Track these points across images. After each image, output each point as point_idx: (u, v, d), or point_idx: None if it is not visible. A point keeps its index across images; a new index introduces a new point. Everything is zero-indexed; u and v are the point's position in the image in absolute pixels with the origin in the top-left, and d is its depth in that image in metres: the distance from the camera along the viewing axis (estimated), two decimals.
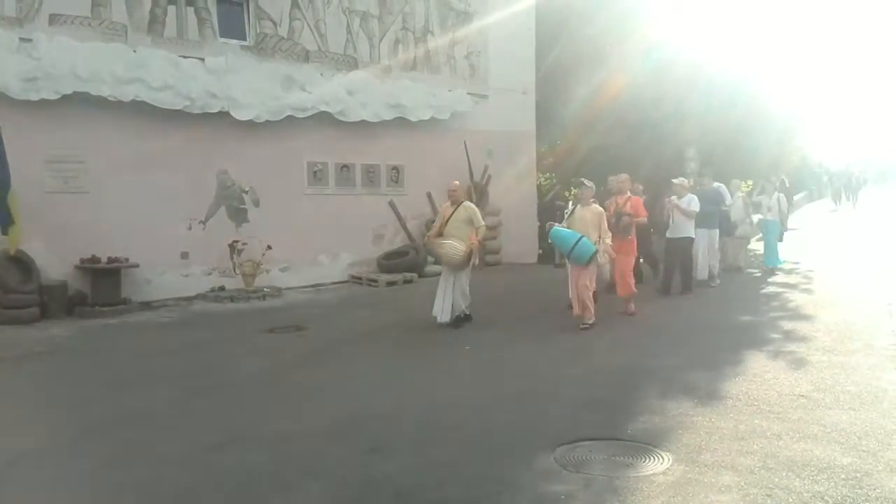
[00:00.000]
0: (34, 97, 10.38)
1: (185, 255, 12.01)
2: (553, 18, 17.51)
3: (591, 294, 8.84)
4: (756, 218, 14.42)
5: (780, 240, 14.35)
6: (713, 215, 12.22)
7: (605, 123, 17.05)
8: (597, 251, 8.65)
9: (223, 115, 12.15)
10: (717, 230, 12.47)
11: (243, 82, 12.31)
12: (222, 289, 12.09)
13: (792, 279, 12.95)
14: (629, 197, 10.12)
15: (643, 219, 10.04)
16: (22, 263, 10.21)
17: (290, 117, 12.97)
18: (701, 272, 12.09)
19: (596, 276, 9.06)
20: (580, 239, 8.61)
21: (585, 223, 8.85)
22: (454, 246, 8.92)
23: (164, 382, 6.87)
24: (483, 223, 9.31)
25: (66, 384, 6.98)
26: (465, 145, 15.18)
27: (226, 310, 11.08)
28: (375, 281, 13.39)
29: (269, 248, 12.12)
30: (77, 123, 10.82)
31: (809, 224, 25.37)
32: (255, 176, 12.70)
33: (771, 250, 13.95)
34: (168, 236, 11.73)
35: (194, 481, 4.51)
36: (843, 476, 4.30)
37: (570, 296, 9.44)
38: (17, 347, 8.52)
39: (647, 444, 4.88)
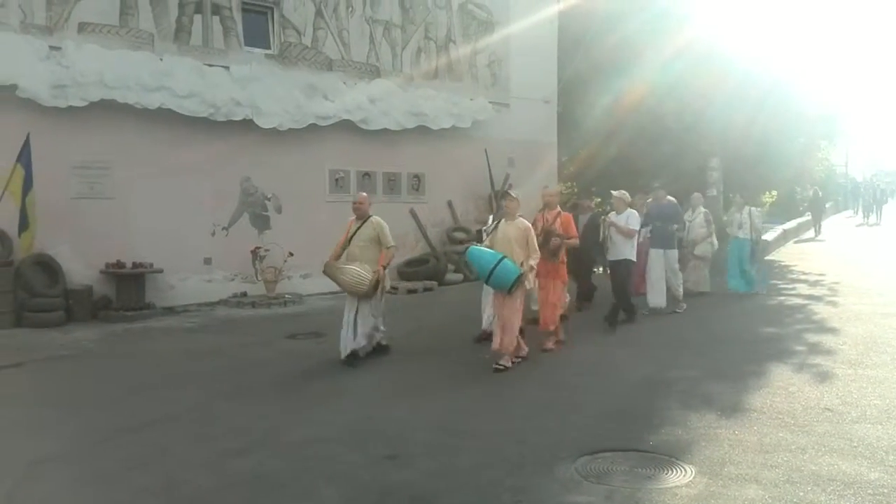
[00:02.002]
0: (62, 104, 10.55)
1: (208, 261, 12.11)
2: (575, 28, 17.51)
3: (517, 328, 7.43)
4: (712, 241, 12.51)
5: (754, 261, 12.41)
6: (671, 233, 10.83)
7: (626, 133, 16.99)
8: (522, 275, 7.23)
9: (247, 123, 12.27)
10: (676, 250, 11.00)
11: (267, 90, 12.43)
12: (244, 295, 12.17)
13: (817, 291, 12.75)
14: (559, 213, 8.57)
15: (574, 240, 8.48)
16: (48, 268, 10.36)
17: (312, 125, 13.07)
18: (656, 298, 10.55)
19: (521, 307, 7.59)
20: (501, 260, 7.17)
21: (509, 241, 7.41)
22: (358, 274, 7.55)
23: (186, 387, 6.92)
24: (393, 243, 7.97)
25: (90, 387, 7.06)
26: (486, 154, 15.19)
27: (248, 315, 11.15)
28: (396, 289, 13.39)
29: (291, 254, 12.19)
30: (103, 130, 10.97)
31: (836, 236, 25.05)
32: (278, 183, 12.79)
33: (735, 271, 12.21)
34: (192, 242, 11.84)
35: (214, 486, 4.53)
36: (869, 491, 4.22)
37: (484, 325, 8.48)
38: (43, 350, 8.63)
39: (669, 456, 4.83)
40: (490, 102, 15.71)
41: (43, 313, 10.00)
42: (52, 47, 10.53)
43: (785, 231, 23.89)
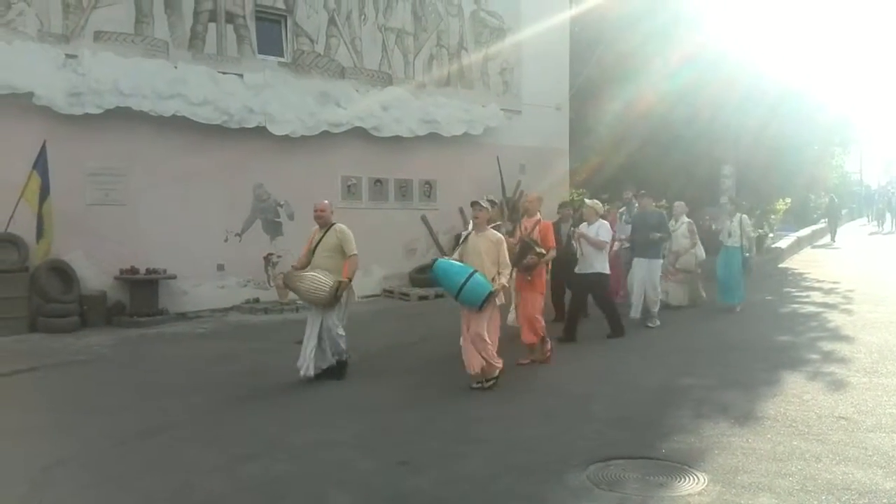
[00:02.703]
0: (78, 111, 10.66)
1: (220, 268, 12.18)
2: (587, 35, 17.53)
3: (490, 347, 6.84)
4: (701, 250, 11.98)
5: (746, 270, 11.53)
6: (655, 243, 10.28)
7: (637, 140, 16.97)
8: (493, 292, 6.71)
9: (260, 130, 12.35)
10: (660, 261, 10.46)
11: (280, 98, 12.51)
12: (257, 301, 12.23)
13: (831, 299, 12.66)
14: (538, 221, 8.09)
15: (552, 251, 7.98)
16: (63, 273, 10.45)
17: (325, 132, 13.13)
18: (634, 309, 10.22)
19: (494, 326, 6.97)
20: (471, 275, 6.63)
21: (480, 255, 6.92)
22: (317, 279, 7.10)
23: (197, 392, 6.96)
24: (356, 251, 7.46)
25: (103, 392, 7.11)
26: (498, 160, 15.20)
27: (260, 321, 11.21)
28: (407, 295, 13.43)
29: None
30: (118, 137, 11.07)
31: (850, 244, 24.86)
32: (290, 190, 12.85)
33: (727, 283, 11.38)
34: (205, 248, 11.91)
35: (226, 490, 4.55)
36: (885, 500, 4.18)
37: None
38: (57, 355, 8.70)
39: (682, 464, 4.80)
40: (502, 109, 15.73)
41: (57, 319, 10.09)
42: (68, 55, 10.65)
43: (799, 238, 23.74)
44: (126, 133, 11.13)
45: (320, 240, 7.47)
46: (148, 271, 11.06)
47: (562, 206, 11.14)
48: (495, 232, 7.17)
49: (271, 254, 12.45)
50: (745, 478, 4.54)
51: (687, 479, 4.58)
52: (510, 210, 14.90)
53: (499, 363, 6.90)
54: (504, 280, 6.93)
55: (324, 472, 4.82)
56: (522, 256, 7.63)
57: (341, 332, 7.35)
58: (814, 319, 10.70)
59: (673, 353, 8.52)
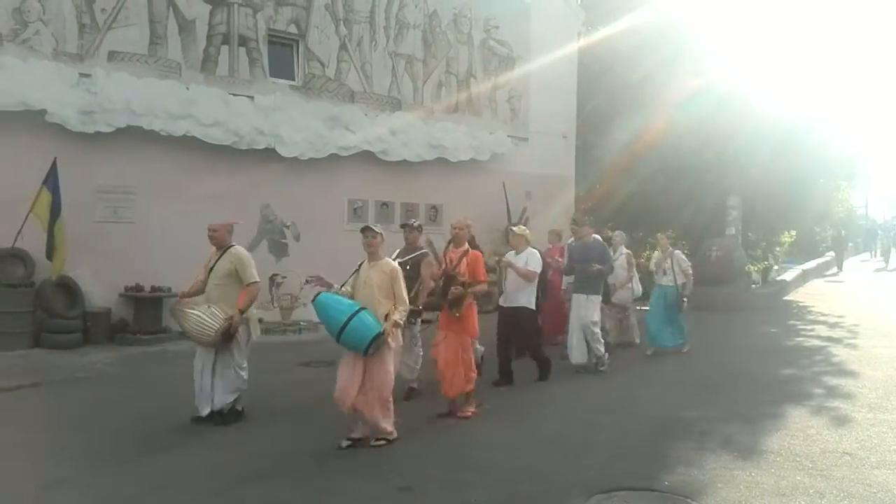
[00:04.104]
0: (90, 130, 10.77)
1: None
2: (596, 65, 17.69)
3: (383, 401, 5.92)
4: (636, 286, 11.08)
5: (679, 310, 10.54)
6: (594, 277, 9.10)
7: (644, 169, 17.03)
8: (382, 333, 5.73)
9: (269, 152, 12.45)
10: (599, 296, 9.26)
11: (290, 120, 12.63)
12: (260, 321, 12.14)
13: (836, 333, 12.61)
14: (466, 252, 7.01)
15: (483, 285, 7.02)
16: (68, 289, 10.49)
17: (333, 155, 13.22)
18: (577, 353, 9.07)
19: (389, 375, 5.98)
20: (357, 313, 5.66)
21: (372, 288, 5.93)
22: (201, 320, 6.19)
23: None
24: (256, 278, 6.56)
25: (106, 410, 7.08)
26: (504, 187, 15.27)
27: (263, 342, 11.09)
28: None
29: (308, 281, 12.21)
30: (129, 156, 11.17)
31: (855, 279, 24.80)
32: (297, 211, 12.92)
33: (661, 326, 10.38)
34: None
35: None
36: None
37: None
38: (60, 372, 8.70)
39: (685, 497, 4.76)
40: (509, 136, 15.85)
41: (61, 335, 10.10)
42: (82, 74, 10.79)
43: (804, 271, 23.72)
44: (136, 152, 11.23)
45: (214, 265, 6.56)
46: (153, 289, 11.09)
47: (552, 233, 11.11)
48: (391, 261, 6.21)
49: (276, 274, 12.60)
50: None
51: None
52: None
53: (391, 428, 5.96)
54: (399, 317, 5.88)
55: (325, 495, 4.80)
56: (446, 292, 6.70)
57: (244, 373, 6.52)
58: (818, 353, 10.66)
59: (678, 384, 8.48)
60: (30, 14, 10.49)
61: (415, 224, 7.57)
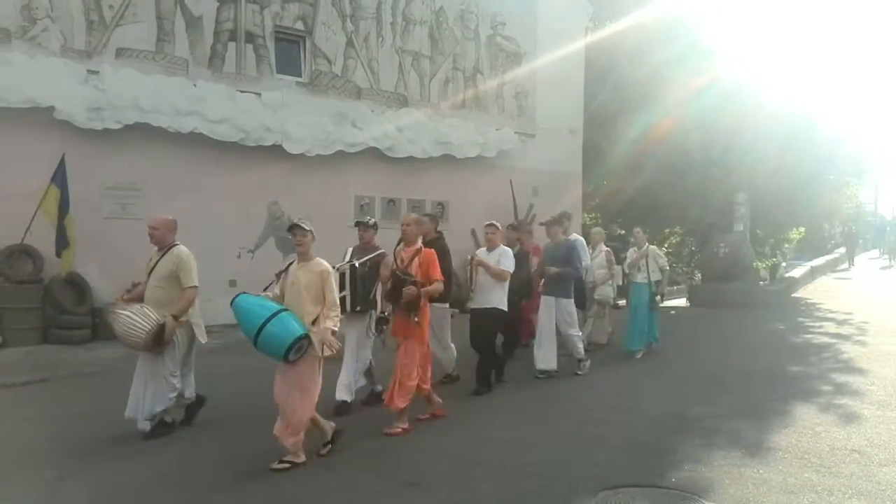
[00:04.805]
0: (98, 126, 10.82)
1: (233, 283, 12.19)
2: (602, 61, 17.64)
3: (303, 417, 5.29)
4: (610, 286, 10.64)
5: (652, 309, 10.03)
6: (563, 279, 8.52)
7: (651, 165, 16.98)
8: (304, 337, 5.16)
9: (276, 148, 12.47)
10: (571, 299, 8.61)
11: (297, 117, 12.65)
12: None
13: (845, 330, 12.55)
14: (420, 250, 6.40)
15: (436, 285, 6.28)
16: (77, 286, 10.54)
17: (340, 152, 13.25)
18: (544, 358, 8.50)
19: (312, 384, 5.37)
20: (275, 315, 5.13)
21: (300, 290, 5.42)
22: (132, 320, 5.72)
23: (206, 407, 6.94)
24: (195, 283, 6.07)
25: (111, 405, 7.09)
26: (511, 183, 15.25)
27: None
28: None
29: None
30: (136, 152, 11.21)
31: (863, 276, 24.67)
32: (304, 208, 12.91)
33: (634, 324, 9.96)
34: (218, 264, 11.95)
35: None
36: None
37: (339, 394, 6.79)
38: (68, 367, 8.75)
39: (692, 494, 4.75)
40: (516, 133, 15.84)
41: (69, 330, 10.16)
42: (90, 71, 10.83)
43: (812, 268, 23.61)
44: (144, 148, 11.27)
45: (154, 266, 6.10)
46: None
47: (511, 227, 9.96)
48: (322, 261, 5.58)
49: (283, 270, 12.61)
50: None
51: None
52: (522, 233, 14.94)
53: (301, 453, 5.31)
54: (331, 324, 5.33)
55: (333, 490, 4.80)
56: (396, 294, 6.11)
57: (174, 381, 6.01)
58: (827, 350, 10.61)
59: (685, 380, 8.46)
60: (38, 11, 10.53)
61: (370, 221, 7.20)
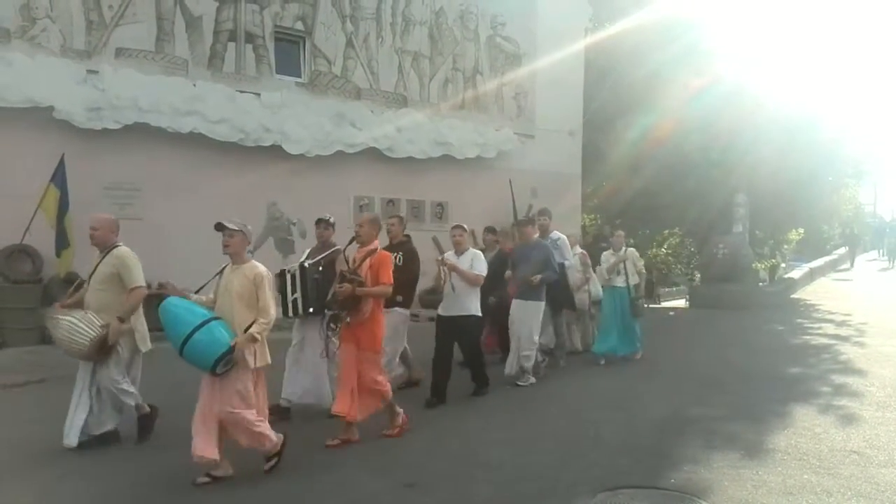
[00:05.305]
0: (97, 126, 10.81)
1: None
2: (602, 62, 17.66)
3: (253, 422, 4.98)
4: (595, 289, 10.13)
5: (636, 314, 9.63)
6: (533, 285, 7.98)
7: (651, 167, 17.00)
8: (230, 350, 4.81)
9: (275, 149, 12.47)
10: (542, 302, 8.15)
11: (296, 117, 12.65)
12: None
13: (844, 331, 12.57)
14: (373, 251, 5.99)
15: (383, 288, 5.86)
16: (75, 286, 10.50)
17: (339, 152, 13.25)
18: (512, 365, 8.13)
19: (247, 395, 4.99)
20: (204, 324, 4.84)
21: (231, 295, 5.12)
22: (73, 328, 5.40)
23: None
24: (141, 283, 5.77)
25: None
26: (510, 184, 15.26)
27: (269, 339, 11.17)
28: (417, 315, 13.38)
29: (161, 286, 12.07)
30: (135, 152, 11.20)
31: (862, 277, 24.69)
32: (303, 208, 12.93)
33: (610, 330, 9.55)
34: (217, 264, 11.92)
35: None
36: None
37: (284, 393, 6.60)
38: (66, 368, 8.64)
39: (691, 495, 4.75)
40: (515, 133, 15.86)
41: None
42: (89, 71, 10.83)
43: (812, 269, 23.63)
44: (143, 148, 11.26)
45: (95, 268, 5.76)
46: (160, 286, 11.07)
47: (487, 229, 9.79)
48: (257, 265, 5.27)
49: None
50: None
51: None
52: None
53: (273, 439, 5.09)
54: (258, 330, 4.96)
55: (333, 490, 4.80)
56: (343, 297, 5.70)
57: (125, 386, 5.69)
58: (826, 351, 10.62)
59: (684, 381, 8.46)
60: (38, 11, 10.53)
61: (329, 219, 6.83)
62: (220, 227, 5.21)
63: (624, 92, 17.45)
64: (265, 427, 5.04)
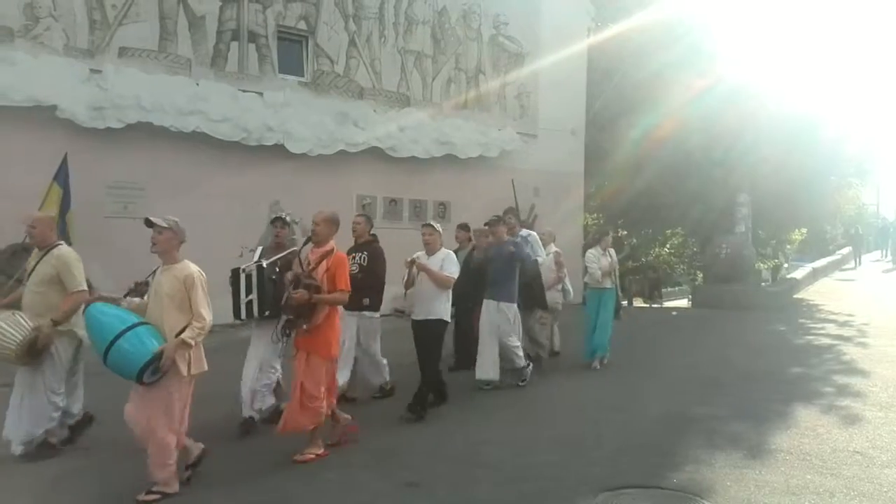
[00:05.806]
0: (100, 125, 10.82)
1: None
2: (605, 62, 17.66)
3: (165, 441, 4.64)
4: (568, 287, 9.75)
5: (617, 318, 9.41)
6: (507, 281, 7.78)
7: (653, 166, 16.99)
8: (157, 358, 4.50)
9: (278, 148, 12.48)
10: (514, 304, 7.85)
11: (299, 116, 12.66)
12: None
13: (846, 332, 12.54)
14: (329, 252, 5.70)
15: (342, 295, 5.57)
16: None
17: (342, 151, 13.25)
18: (484, 367, 7.74)
19: (177, 407, 4.75)
20: (130, 329, 4.53)
21: (161, 299, 4.79)
22: (3, 332, 5.07)
23: (204, 407, 6.91)
24: (82, 286, 5.41)
25: (112, 405, 7.09)
26: (513, 183, 15.25)
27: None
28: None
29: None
30: (139, 151, 11.22)
31: (865, 278, 24.64)
32: (306, 207, 12.82)
33: (600, 334, 9.13)
34: (219, 263, 11.86)
35: None
36: None
37: (243, 393, 6.22)
38: None
39: (693, 495, 4.74)
40: (518, 133, 15.85)
41: None
42: (92, 70, 10.84)
43: (814, 269, 23.58)
44: (146, 148, 11.27)
45: (33, 267, 5.43)
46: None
47: (460, 227, 9.48)
48: (189, 265, 5.00)
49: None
50: None
51: None
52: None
53: (174, 481, 4.70)
54: (190, 336, 4.71)
55: (334, 490, 4.81)
56: (297, 301, 5.39)
57: (56, 398, 5.33)
58: (828, 352, 10.60)
59: (685, 381, 8.45)
60: (41, 10, 10.54)
61: (286, 217, 6.55)
62: (148, 223, 4.83)
63: (627, 92, 17.45)
64: (172, 458, 4.66)
